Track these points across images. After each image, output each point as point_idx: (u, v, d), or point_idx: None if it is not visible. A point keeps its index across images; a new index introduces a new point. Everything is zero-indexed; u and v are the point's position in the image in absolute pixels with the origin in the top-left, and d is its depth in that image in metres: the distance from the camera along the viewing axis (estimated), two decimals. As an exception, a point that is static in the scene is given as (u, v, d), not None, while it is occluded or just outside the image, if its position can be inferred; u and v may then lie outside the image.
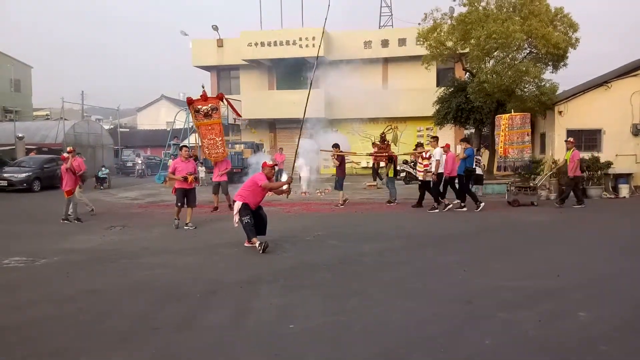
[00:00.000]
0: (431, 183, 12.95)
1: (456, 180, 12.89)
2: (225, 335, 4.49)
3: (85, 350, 4.20)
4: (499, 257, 7.56)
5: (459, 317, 4.87)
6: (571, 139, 13.94)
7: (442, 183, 12.87)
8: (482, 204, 12.54)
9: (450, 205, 12.65)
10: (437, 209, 12.59)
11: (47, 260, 7.64)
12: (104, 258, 7.75)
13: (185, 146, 11.43)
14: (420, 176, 13.39)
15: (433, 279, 6.29)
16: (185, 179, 10.61)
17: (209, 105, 13.02)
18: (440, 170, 12.69)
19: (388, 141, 14.42)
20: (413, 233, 9.68)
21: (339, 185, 13.96)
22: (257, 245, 7.76)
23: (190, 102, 13.18)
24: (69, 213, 11.80)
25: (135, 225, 11.28)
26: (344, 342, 4.29)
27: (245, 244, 8.22)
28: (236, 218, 8.11)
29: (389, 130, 14.01)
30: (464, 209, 12.53)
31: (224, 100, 13.32)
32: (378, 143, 14.49)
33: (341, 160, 14.02)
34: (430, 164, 12.92)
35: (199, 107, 12.96)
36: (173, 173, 10.74)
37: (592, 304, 5.18)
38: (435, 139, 13.26)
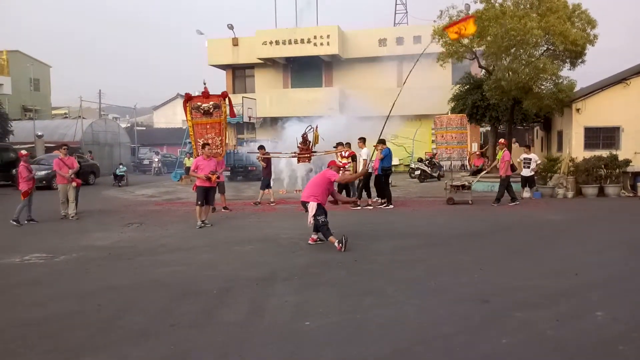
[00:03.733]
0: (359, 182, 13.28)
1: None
2: (241, 331, 4.54)
3: (104, 346, 4.28)
4: (514, 256, 7.50)
5: (475, 316, 4.86)
6: (502, 140, 14.20)
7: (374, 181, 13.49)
8: (391, 206, 13.02)
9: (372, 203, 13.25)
10: (359, 206, 12.96)
11: (67, 257, 7.78)
12: (122, 255, 7.86)
13: (207, 144, 11.40)
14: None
15: (448, 277, 6.27)
16: (208, 178, 10.63)
17: (211, 103, 12.44)
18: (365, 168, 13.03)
19: (309, 141, 14.44)
20: (426, 232, 9.64)
21: (263, 185, 14.20)
22: (336, 243, 7.71)
23: (188, 98, 12.58)
24: (29, 214, 11.65)
25: (152, 222, 11.42)
26: (360, 340, 4.30)
27: (310, 242, 8.36)
28: (311, 220, 8.09)
29: (309, 130, 14.01)
30: (391, 207, 12.97)
31: (227, 98, 12.86)
32: (300, 144, 14.52)
33: (267, 161, 14.15)
34: (349, 162, 13.48)
35: (199, 104, 12.42)
36: (195, 171, 10.77)
37: (610, 304, 5.12)
38: (363, 140, 13.44)
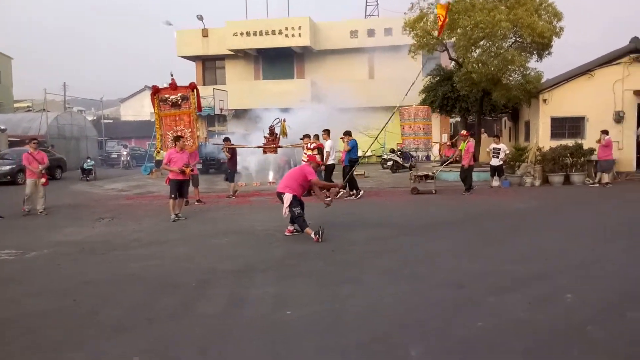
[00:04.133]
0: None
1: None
2: (221, 324, 4.54)
3: (82, 341, 4.22)
4: (485, 243, 7.69)
5: (450, 301, 4.98)
6: (464, 132, 14.55)
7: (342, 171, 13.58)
8: (362, 192, 13.27)
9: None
10: (360, 194, 13.15)
11: (38, 253, 7.60)
12: (95, 250, 7.73)
13: (181, 136, 11.23)
14: None
15: (422, 265, 6.39)
16: (182, 171, 10.52)
17: (179, 94, 12.21)
18: (332, 161, 13.38)
19: (277, 133, 14.54)
20: (399, 221, 9.78)
21: (230, 177, 14.13)
22: (312, 235, 7.71)
23: (156, 90, 12.34)
24: None
25: (124, 216, 11.24)
26: (339, 329, 4.36)
27: (286, 233, 8.35)
28: (287, 211, 8.06)
29: (276, 123, 14.11)
30: (358, 197, 13.11)
31: (195, 90, 12.60)
32: (267, 136, 14.57)
33: (232, 153, 14.10)
34: (316, 155, 13.33)
35: (166, 96, 12.18)
36: (168, 164, 10.63)
37: (578, 288, 5.32)
38: (327, 132, 13.57)
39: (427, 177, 14.14)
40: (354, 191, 13.29)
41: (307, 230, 7.88)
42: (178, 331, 4.39)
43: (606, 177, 14.61)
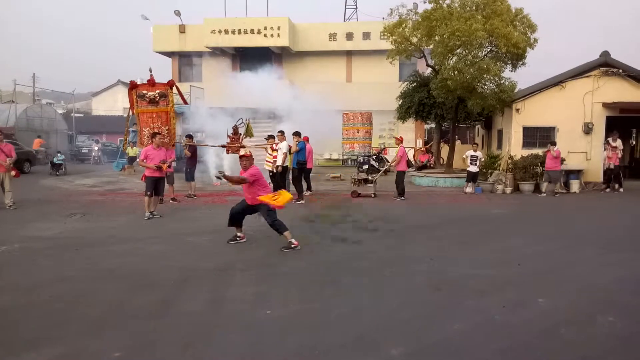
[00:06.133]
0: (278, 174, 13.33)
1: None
2: (202, 321, 4.54)
3: (60, 337, 4.17)
4: (461, 247, 7.85)
5: (428, 303, 5.10)
6: (398, 137, 14.81)
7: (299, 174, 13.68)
8: (303, 201, 13.07)
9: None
10: (302, 200, 13.14)
11: (8, 248, 7.43)
12: (69, 245, 7.59)
13: (158, 133, 11.09)
14: (268, 167, 13.54)
15: (401, 267, 6.50)
16: (159, 167, 10.41)
17: (157, 91, 11.91)
18: (286, 162, 13.30)
19: (240, 133, 14.61)
20: (379, 224, 9.89)
21: (189, 176, 14.07)
22: (293, 240, 7.38)
23: (133, 86, 12.01)
24: None
25: (97, 213, 11.05)
26: (321, 329, 4.42)
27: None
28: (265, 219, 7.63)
29: (240, 123, 14.21)
30: (302, 202, 13.00)
31: (174, 87, 12.38)
32: (231, 135, 14.61)
33: (193, 151, 14.05)
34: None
35: (144, 92, 11.87)
36: (144, 161, 10.49)
37: (550, 291, 5.50)
38: (282, 133, 13.64)
39: (366, 181, 14.56)
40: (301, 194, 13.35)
41: (286, 234, 7.52)
42: (159, 328, 4.36)
43: (553, 187, 14.92)
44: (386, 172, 15.33)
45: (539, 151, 15.97)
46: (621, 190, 15.71)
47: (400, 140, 14.50)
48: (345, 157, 15.84)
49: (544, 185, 15.23)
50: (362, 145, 15.20)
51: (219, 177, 7.51)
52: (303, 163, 13.71)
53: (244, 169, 7.71)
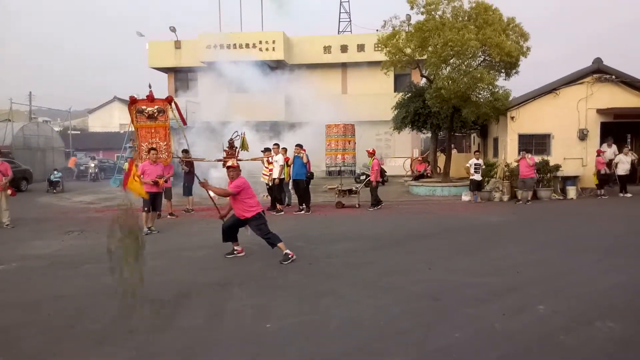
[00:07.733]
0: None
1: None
2: (203, 335, 4.53)
3: (61, 353, 4.16)
4: (459, 255, 7.85)
5: (428, 312, 5.09)
6: (370, 149, 14.88)
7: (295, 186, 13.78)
8: (282, 212, 13.23)
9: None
10: (282, 211, 13.31)
11: (6, 267, 7.40)
12: (67, 263, 7.57)
13: (154, 149, 11.11)
14: (265, 179, 13.83)
15: (399, 277, 6.50)
16: (156, 183, 10.42)
17: (155, 107, 11.69)
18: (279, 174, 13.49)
19: (236, 147, 14.65)
20: (376, 234, 9.90)
21: (187, 191, 14.09)
22: (288, 250, 7.39)
23: (133, 101, 11.80)
24: None
25: (94, 230, 11.02)
26: (321, 340, 4.41)
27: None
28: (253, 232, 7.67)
29: (236, 137, 14.28)
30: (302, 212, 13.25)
31: (173, 103, 12.39)
32: (226, 149, 14.65)
33: (190, 166, 14.04)
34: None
35: (143, 107, 11.66)
36: (141, 176, 10.46)
37: (549, 299, 5.50)
38: (277, 145, 13.89)
39: (350, 191, 14.60)
40: (303, 205, 13.45)
41: (281, 245, 7.50)
42: (160, 343, 4.35)
43: (527, 195, 14.93)
44: (383, 182, 15.29)
45: (535, 158, 15.96)
46: (628, 195, 15.60)
47: (372, 153, 14.59)
48: (330, 169, 15.81)
49: (520, 193, 15.28)
50: (342, 156, 15.16)
51: (202, 186, 7.59)
52: (310, 174, 13.75)
53: (231, 180, 7.68)
